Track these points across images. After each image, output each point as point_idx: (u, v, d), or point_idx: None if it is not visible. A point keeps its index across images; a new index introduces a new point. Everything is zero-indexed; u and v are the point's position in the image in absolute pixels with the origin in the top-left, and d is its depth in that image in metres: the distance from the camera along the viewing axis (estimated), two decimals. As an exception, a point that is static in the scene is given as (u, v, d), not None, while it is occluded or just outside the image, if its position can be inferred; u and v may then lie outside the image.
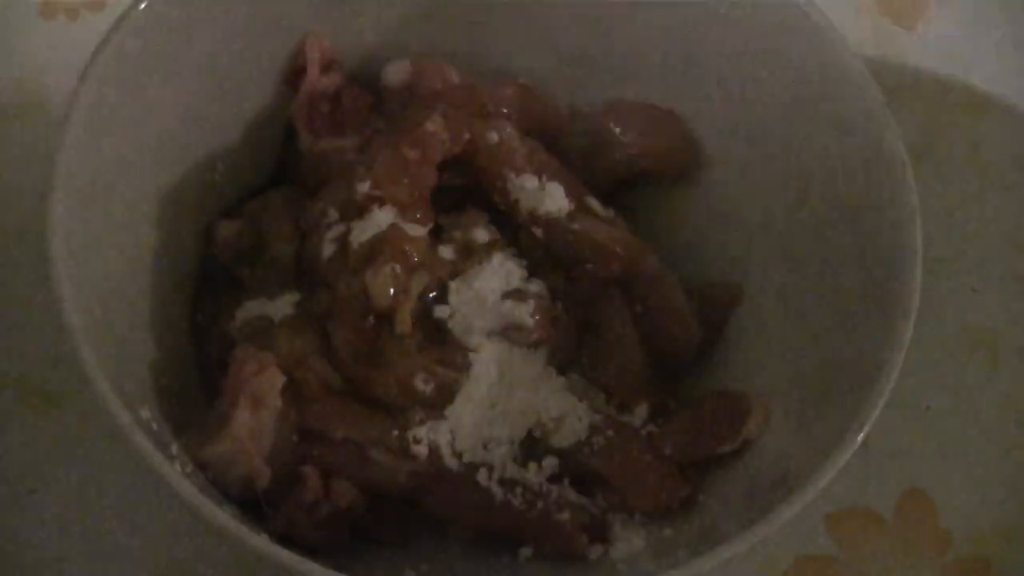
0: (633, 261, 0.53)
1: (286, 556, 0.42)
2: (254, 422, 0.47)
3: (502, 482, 0.50)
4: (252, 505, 0.48)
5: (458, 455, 0.50)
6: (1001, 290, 0.62)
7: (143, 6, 0.48)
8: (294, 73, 0.55)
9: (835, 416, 0.46)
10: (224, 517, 0.42)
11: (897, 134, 0.50)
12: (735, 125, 0.56)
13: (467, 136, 0.53)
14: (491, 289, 0.51)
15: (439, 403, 0.50)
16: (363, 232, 0.50)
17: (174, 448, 0.45)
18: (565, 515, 0.49)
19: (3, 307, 0.56)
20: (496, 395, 0.51)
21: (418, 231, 0.51)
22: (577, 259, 0.53)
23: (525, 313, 0.51)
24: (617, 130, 0.57)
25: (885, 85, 0.51)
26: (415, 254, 0.51)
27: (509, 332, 0.51)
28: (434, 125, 0.52)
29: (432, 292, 0.52)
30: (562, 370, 0.53)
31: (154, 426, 0.45)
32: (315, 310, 0.51)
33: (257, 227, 0.53)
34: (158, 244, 0.51)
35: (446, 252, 0.52)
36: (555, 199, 0.53)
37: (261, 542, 0.42)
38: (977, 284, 0.62)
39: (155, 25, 0.49)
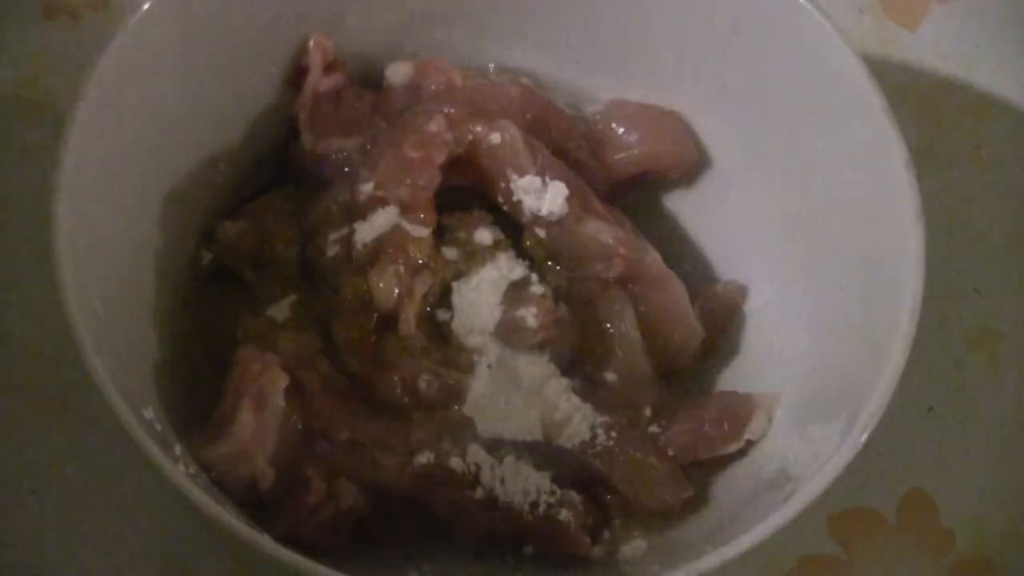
0: (636, 262, 0.53)
1: (289, 556, 0.42)
2: (257, 423, 0.47)
3: (505, 483, 0.50)
4: (255, 505, 0.48)
5: (461, 456, 0.50)
6: (1002, 290, 0.62)
7: (146, 7, 0.48)
8: (297, 73, 0.55)
9: (838, 417, 0.46)
10: (227, 517, 0.42)
11: (899, 134, 0.50)
12: (737, 125, 0.56)
13: (470, 137, 0.53)
14: (494, 290, 0.51)
15: (443, 404, 0.50)
16: (366, 233, 0.51)
17: (177, 448, 0.45)
18: (568, 516, 0.49)
19: (5, 308, 0.56)
20: (499, 397, 0.51)
21: (421, 232, 0.51)
22: (580, 260, 0.53)
23: (528, 314, 0.51)
24: (620, 131, 0.57)
25: (887, 85, 0.51)
26: (418, 255, 0.51)
27: (512, 334, 0.51)
28: (437, 126, 0.52)
29: (435, 293, 0.52)
30: (565, 371, 0.53)
31: (157, 426, 0.45)
32: (318, 311, 0.51)
33: (260, 228, 0.53)
34: (161, 244, 0.51)
35: (449, 253, 0.52)
36: (558, 200, 0.53)
37: (264, 542, 0.42)
38: (978, 284, 0.62)
39: (158, 26, 0.49)
